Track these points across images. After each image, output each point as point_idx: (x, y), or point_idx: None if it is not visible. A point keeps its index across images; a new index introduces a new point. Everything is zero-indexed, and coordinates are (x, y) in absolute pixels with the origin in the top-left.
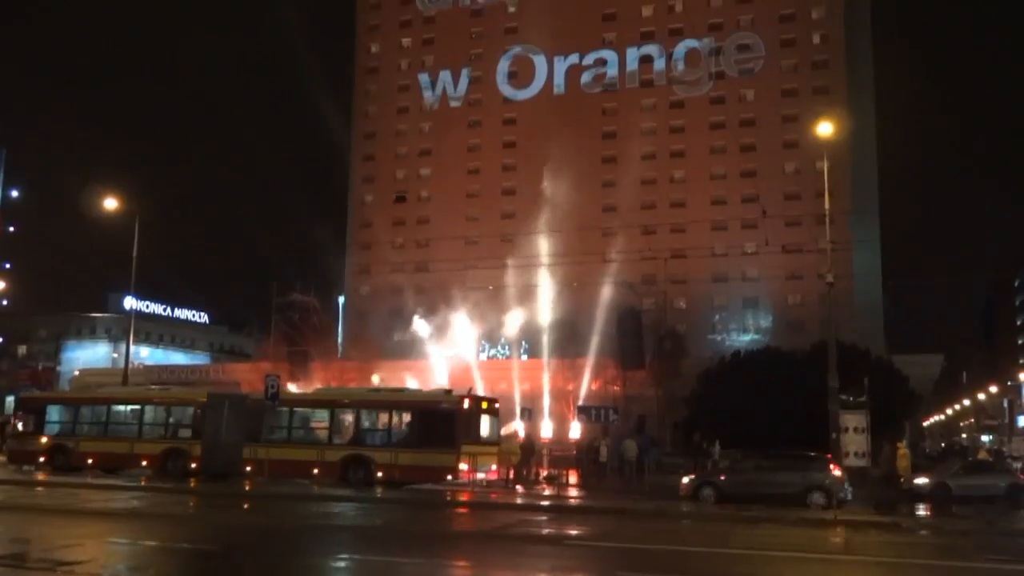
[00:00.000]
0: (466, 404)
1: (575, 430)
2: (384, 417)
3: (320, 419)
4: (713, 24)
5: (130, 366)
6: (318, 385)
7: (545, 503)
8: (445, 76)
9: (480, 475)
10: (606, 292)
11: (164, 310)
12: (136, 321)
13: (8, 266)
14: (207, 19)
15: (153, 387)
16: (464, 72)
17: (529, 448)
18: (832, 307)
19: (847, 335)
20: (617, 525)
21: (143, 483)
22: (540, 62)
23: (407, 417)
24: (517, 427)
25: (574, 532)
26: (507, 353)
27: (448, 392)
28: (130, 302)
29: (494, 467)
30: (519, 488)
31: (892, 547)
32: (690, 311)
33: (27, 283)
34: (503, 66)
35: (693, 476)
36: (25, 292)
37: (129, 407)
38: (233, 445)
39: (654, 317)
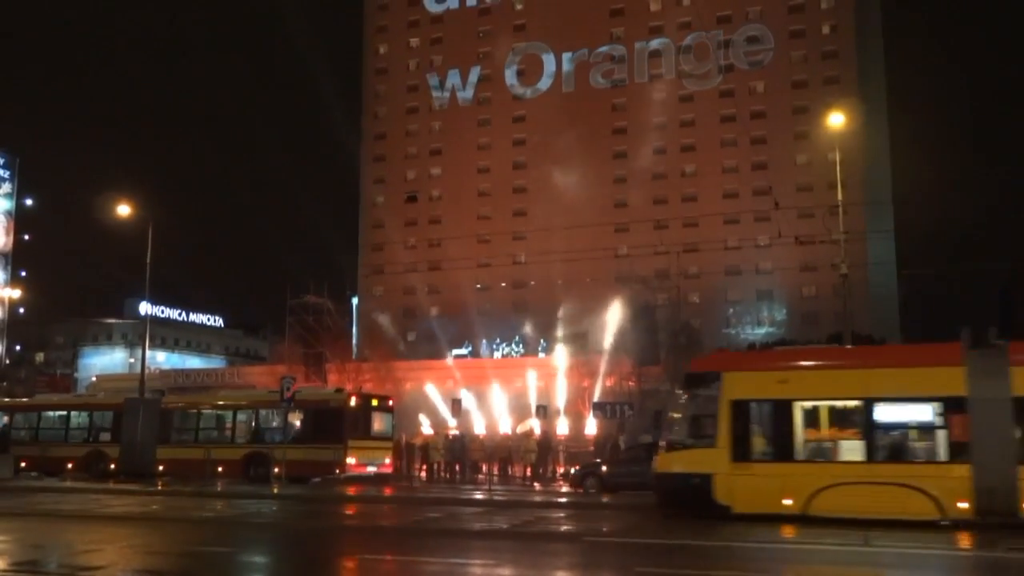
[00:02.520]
0: (353, 402)
1: (591, 427)
2: (280, 416)
3: (225, 420)
4: (721, 17)
5: (147, 371)
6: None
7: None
8: (454, 75)
9: (371, 469)
10: (619, 288)
11: (179, 315)
12: (152, 326)
13: (24, 274)
14: (217, 24)
15: (97, 393)
16: (473, 71)
17: (545, 445)
18: (847, 298)
19: (863, 326)
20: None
21: (66, 484)
22: (548, 59)
23: (300, 416)
24: (533, 425)
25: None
26: (521, 351)
27: (339, 391)
28: (145, 307)
29: (387, 461)
30: (536, 486)
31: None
32: (704, 305)
33: (44, 291)
34: (511, 64)
35: (579, 467)
36: (42, 300)
37: (57, 413)
38: (148, 447)
39: (668, 312)
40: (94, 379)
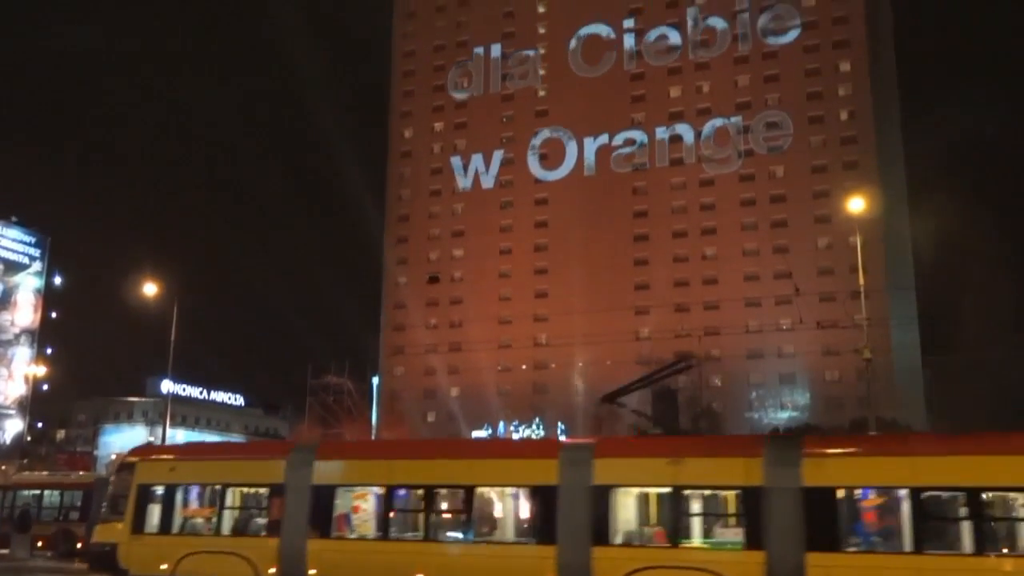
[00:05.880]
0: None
1: None
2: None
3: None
4: (740, 103)
5: None
6: None
7: None
8: (477, 159)
9: None
10: (640, 371)
11: (200, 393)
12: (172, 404)
13: (50, 351)
14: (246, 107)
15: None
16: (496, 154)
17: None
18: (871, 383)
19: (887, 411)
20: None
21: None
22: (570, 143)
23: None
24: None
25: None
26: (541, 433)
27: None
28: (167, 385)
29: None
30: None
31: None
32: (726, 389)
33: (68, 368)
34: (534, 148)
35: None
36: (66, 377)
37: (31, 492)
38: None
39: (690, 395)
40: (114, 457)
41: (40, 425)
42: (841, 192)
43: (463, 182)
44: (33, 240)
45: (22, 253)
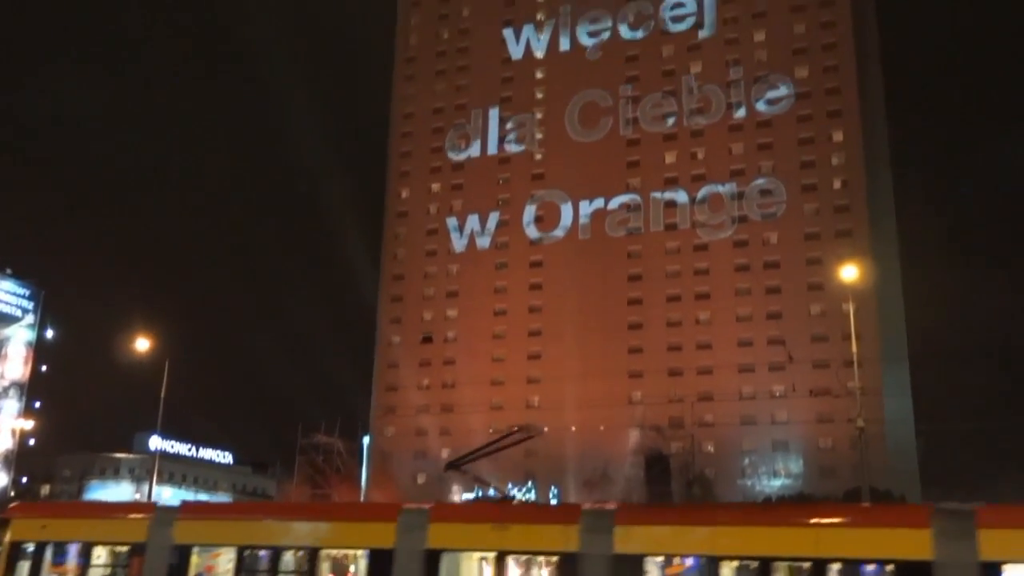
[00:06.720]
0: None
1: None
2: None
3: None
4: (735, 170)
5: None
6: None
7: None
8: (473, 220)
9: None
10: (633, 436)
11: (189, 450)
12: (160, 461)
13: (38, 405)
14: (240, 160)
15: None
16: (491, 216)
17: None
18: (864, 453)
19: (881, 481)
20: None
21: None
22: (566, 206)
23: None
24: None
25: None
26: (533, 497)
27: None
28: (156, 441)
29: None
30: None
31: None
32: (719, 455)
33: (56, 422)
34: (529, 210)
35: None
36: (53, 431)
37: None
38: None
39: (682, 461)
40: None
41: (24, 480)
42: (834, 260)
43: (459, 243)
44: (27, 293)
45: (15, 305)
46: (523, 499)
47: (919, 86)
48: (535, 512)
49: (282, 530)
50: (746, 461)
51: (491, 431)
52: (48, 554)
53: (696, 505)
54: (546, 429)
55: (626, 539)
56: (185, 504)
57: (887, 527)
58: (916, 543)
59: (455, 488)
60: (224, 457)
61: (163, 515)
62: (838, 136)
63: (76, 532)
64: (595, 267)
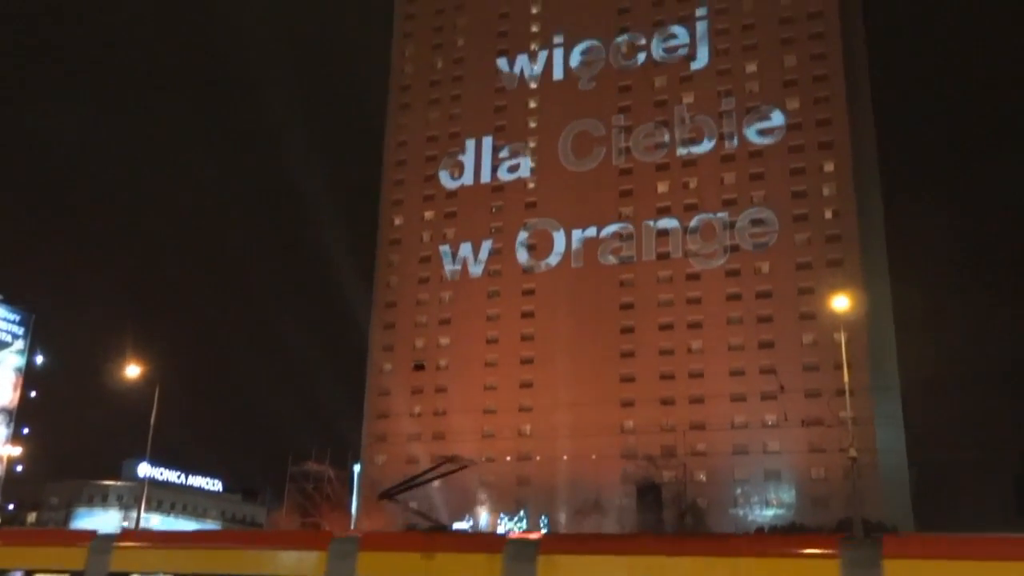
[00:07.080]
0: None
1: None
2: None
3: None
4: (727, 200)
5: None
6: None
7: None
8: (465, 247)
9: None
10: (625, 465)
11: (178, 477)
12: (149, 488)
13: (27, 431)
14: (232, 186)
15: None
16: (484, 244)
17: None
18: (856, 483)
19: (873, 512)
20: None
21: None
22: (558, 235)
23: None
24: None
25: None
26: (524, 526)
27: None
28: (144, 468)
29: None
30: None
31: None
32: (711, 484)
33: (44, 449)
34: (522, 238)
35: None
36: (41, 458)
37: None
38: None
39: (675, 490)
40: None
41: (11, 507)
42: (826, 289)
43: (451, 270)
44: (16, 318)
45: (4, 331)
46: (515, 529)
47: (909, 117)
48: (463, 541)
49: (217, 558)
50: (738, 491)
51: (483, 459)
52: None
53: (624, 535)
54: (538, 458)
55: (549, 569)
56: (124, 532)
57: (797, 558)
58: (824, 573)
59: (445, 516)
60: (214, 484)
61: (101, 543)
62: (829, 166)
63: (16, 560)
64: (587, 295)
